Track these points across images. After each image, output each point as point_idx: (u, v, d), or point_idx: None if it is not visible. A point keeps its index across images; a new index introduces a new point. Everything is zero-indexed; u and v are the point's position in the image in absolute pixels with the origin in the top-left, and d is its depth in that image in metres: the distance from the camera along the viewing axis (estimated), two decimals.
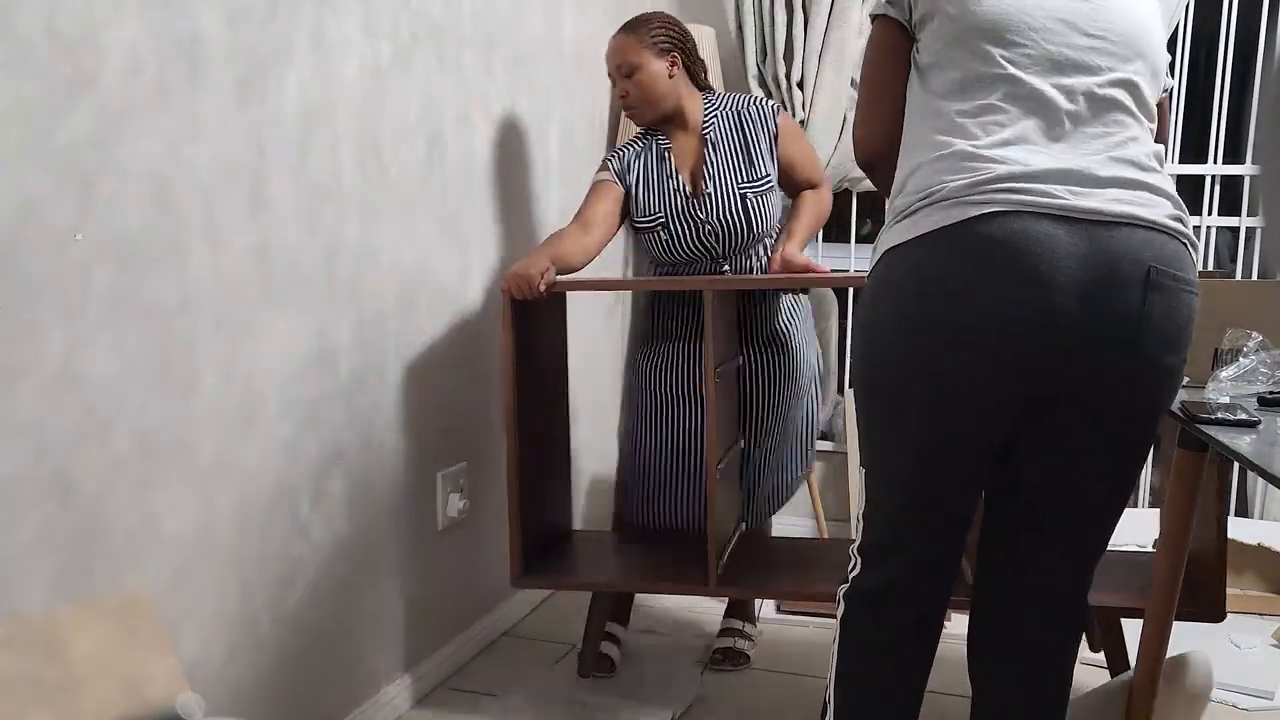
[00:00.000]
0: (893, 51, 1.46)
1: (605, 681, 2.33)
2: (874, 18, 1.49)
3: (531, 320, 2.17)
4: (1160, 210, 1.29)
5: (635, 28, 2.27)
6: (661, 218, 2.27)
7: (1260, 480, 3.14)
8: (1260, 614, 2.65)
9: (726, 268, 2.31)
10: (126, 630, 1.37)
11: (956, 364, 1.29)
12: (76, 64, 1.33)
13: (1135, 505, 3.32)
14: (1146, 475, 3.28)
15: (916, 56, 1.43)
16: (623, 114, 2.91)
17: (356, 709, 2.01)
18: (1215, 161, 3.11)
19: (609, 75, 2.30)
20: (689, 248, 2.28)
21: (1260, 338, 1.61)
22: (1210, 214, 3.14)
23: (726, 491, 2.18)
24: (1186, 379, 1.74)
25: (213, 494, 1.61)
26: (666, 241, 2.28)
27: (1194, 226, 3.15)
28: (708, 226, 2.26)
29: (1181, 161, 3.14)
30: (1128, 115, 1.34)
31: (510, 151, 2.52)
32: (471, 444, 2.39)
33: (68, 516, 1.36)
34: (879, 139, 1.49)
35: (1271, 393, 1.56)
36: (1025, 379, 1.30)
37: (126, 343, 1.44)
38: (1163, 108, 1.49)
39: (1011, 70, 1.33)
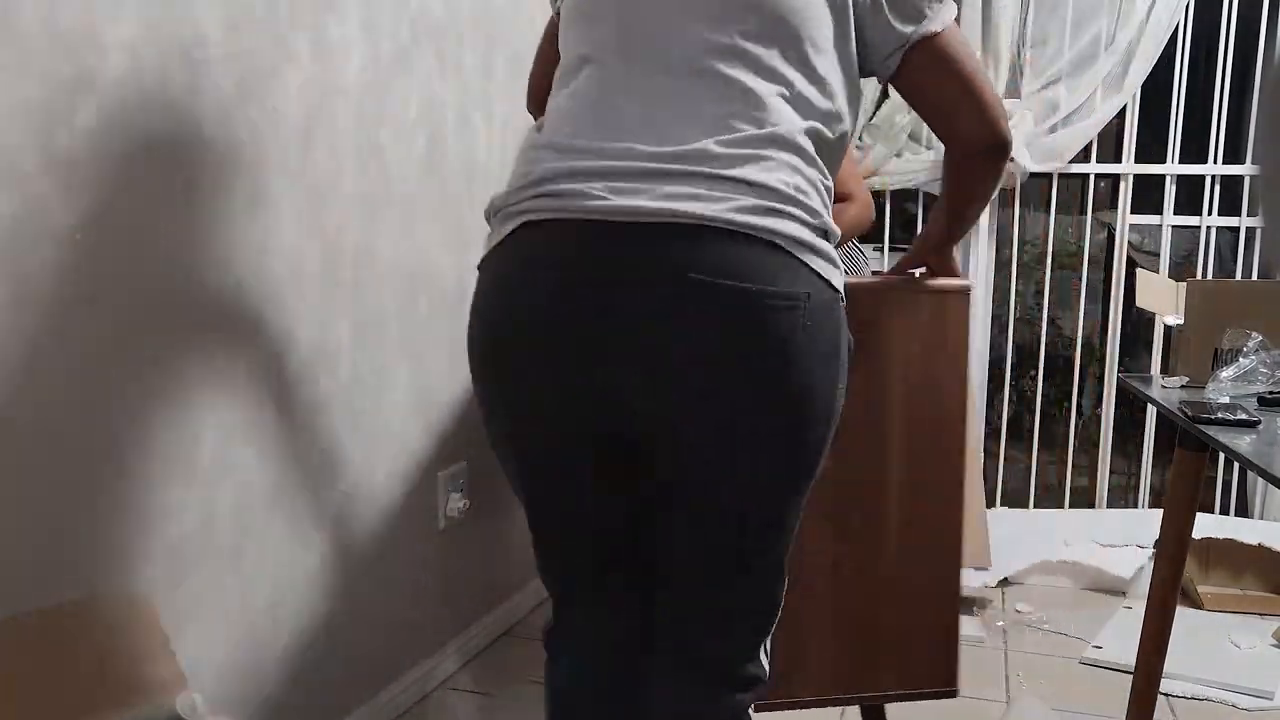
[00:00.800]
0: (549, 39, 1.39)
1: None
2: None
3: None
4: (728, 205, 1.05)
5: None
6: None
7: (1260, 480, 3.14)
8: (1260, 614, 2.65)
9: None
10: (126, 630, 1.37)
11: None
12: (76, 64, 1.33)
13: (1135, 505, 3.33)
14: (1146, 475, 3.28)
15: None
16: None
17: (357, 708, 2.01)
18: (1215, 162, 3.12)
19: None
20: None
21: (1260, 338, 1.61)
22: (1210, 214, 3.15)
23: None
24: (1186, 378, 1.75)
25: (213, 494, 1.61)
26: None
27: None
28: None
29: (1182, 161, 3.14)
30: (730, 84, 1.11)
31: (510, 151, 2.52)
32: (471, 444, 2.39)
33: (68, 516, 1.36)
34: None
35: (1271, 393, 1.56)
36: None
37: (126, 342, 1.43)
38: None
39: (588, 50, 1.18)
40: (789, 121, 1.10)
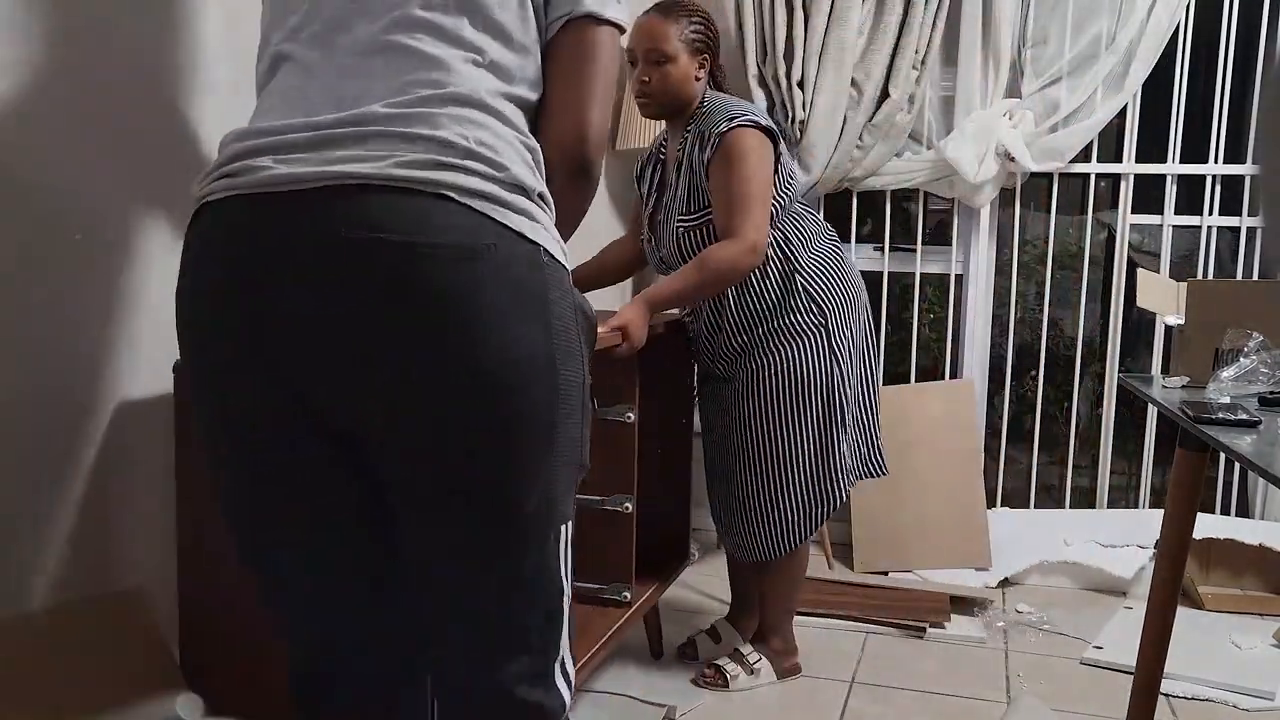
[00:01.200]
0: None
1: (604, 675, 2.33)
2: None
3: None
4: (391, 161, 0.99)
5: (674, 14, 2.11)
6: (646, 236, 2.30)
7: (1261, 480, 3.14)
8: (1260, 614, 2.65)
9: None
10: (127, 628, 1.37)
11: None
12: (76, 64, 1.33)
13: (1136, 505, 3.33)
14: (1147, 475, 3.28)
15: None
16: (623, 107, 2.91)
17: None
18: (1216, 161, 3.11)
19: (629, 52, 2.16)
20: (658, 269, 2.30)
21: (1261, 338, 1.61)
22: (1211, 214, 3.14)
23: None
24: (1186, 378, 1.74)
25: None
26: (654, 261, 2.31)
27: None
28: (658, 255, 2.26)
29: (1182, 161, 3.14)
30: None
31: None
32: None
33: (68, 516, 1.36)
34: None
35: (1272, 393, 1.56)
36: None
37: (126, 342, 1.43)
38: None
39: (284, 48, 1.13)
40: (475, 82, 1.06)
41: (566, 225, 1.15)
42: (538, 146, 1.10)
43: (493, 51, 1.08)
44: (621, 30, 1.15)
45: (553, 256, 1.05)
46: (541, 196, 1.07)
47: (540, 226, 1.04)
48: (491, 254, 0.98)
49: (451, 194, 0.98)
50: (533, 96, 1.13)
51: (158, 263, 1.47)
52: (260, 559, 1.15)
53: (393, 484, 1.06)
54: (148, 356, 1.47)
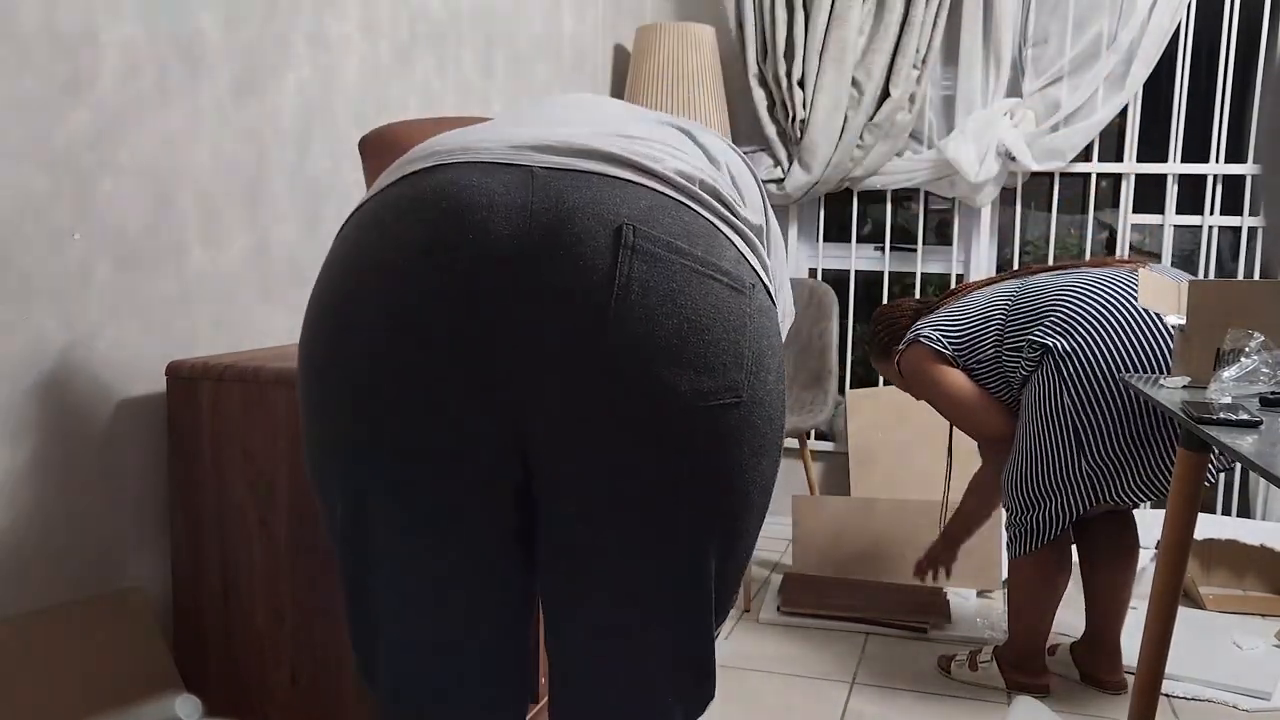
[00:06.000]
0: None
1: None
2: None
3: None
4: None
5: (874, 351, 2.42)
6: None
7: (1262, 481, 3.13)
8: (1262, 615, 2.64)
9: None
10: (123, 630, 1.37)
11: None
12: (76, 64, 1.33)
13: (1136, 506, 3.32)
14: None
15: None
16: None
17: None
18: (1217, 161, 3.11)
19: None
20: None
21: (1261, 338, 1.60)
22: (1212, 214, 3.14)
23: None
24: (1187, 379, 1.74)
25: None
26: None
27: (1194, 226, 3.15)
28: None
29: (1183, 161, 3.14)
30: None
31: None
32: None
33: (67, 516, 1.36)
34: None
35: (1273, 393, 1.55)
36: None
37: (126, 342, 1.43)
38: None
39: None
40: None
41: None
42: None
43: None
44: None
45: None
46: None
47: None
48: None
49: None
50: None
51: (159, 262, 1.47)
52: (384, 565, 0.97)
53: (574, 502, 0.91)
54: (145, 356, 1.47)
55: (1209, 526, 2.79)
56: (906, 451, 3.02)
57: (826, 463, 3.40)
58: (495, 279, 0.85)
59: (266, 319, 1.71)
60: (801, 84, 3.09)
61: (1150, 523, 2.84)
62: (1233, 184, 3.15)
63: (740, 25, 3.14)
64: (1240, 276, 3.12)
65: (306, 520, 1.43)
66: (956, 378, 2.20)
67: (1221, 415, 1.40)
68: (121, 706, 1.30)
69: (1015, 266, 3.57)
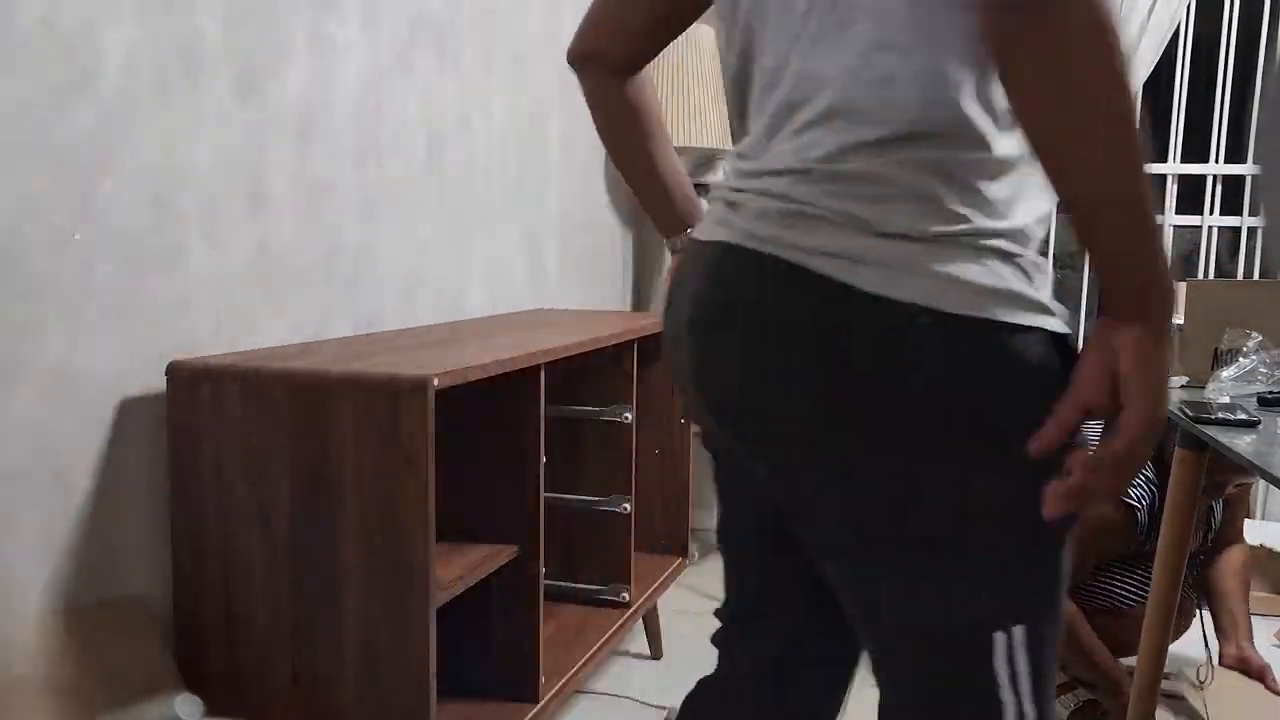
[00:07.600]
0: None
1: (605, 674, 2.33)
2: None
3: None
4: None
5: None
6: None
7: (1260, 480, 3.13)
8: (1262, 614, 2.64)
9: None
10: (124, 632, 1.37)
11: None
12: (76, 64, 1.33)
13: None
14: None
15: None
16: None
17: None
18: (1216, 161, 3.11)
19: None
20: None
21: (1259, 338, 1.61)
22: (1211, 214, 3.14)
23: None
24: (1185, 379, 1.74)
25: None
26: None
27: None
28: None
29: (1183, 161, 3.14)
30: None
31: (510, 151, 2.51)
32: None
33: (67, 516, 1.36)
34: None
35: (1271, 392, 1.56)
36: None
37: (126, 342, 1.43)
38: None
39: None
40: None
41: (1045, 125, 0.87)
42: None
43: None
44: None
45: None
46: None
47: None
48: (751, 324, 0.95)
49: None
50: None
51: (159, 262, 1.48)
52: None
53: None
54: (145, 356, 1.48)
55: None
56: None
57: None
58: None
59: (267, 319, 1.71)
60: None
61: None
62: (1232, 184, 3.15)
63: None
64: (1239, 277, 3.12)
65: (307, 520, 1.43)
66: None
67: (1219, 415, 1.40)
68: (121, 706, 1.30)
69: None
